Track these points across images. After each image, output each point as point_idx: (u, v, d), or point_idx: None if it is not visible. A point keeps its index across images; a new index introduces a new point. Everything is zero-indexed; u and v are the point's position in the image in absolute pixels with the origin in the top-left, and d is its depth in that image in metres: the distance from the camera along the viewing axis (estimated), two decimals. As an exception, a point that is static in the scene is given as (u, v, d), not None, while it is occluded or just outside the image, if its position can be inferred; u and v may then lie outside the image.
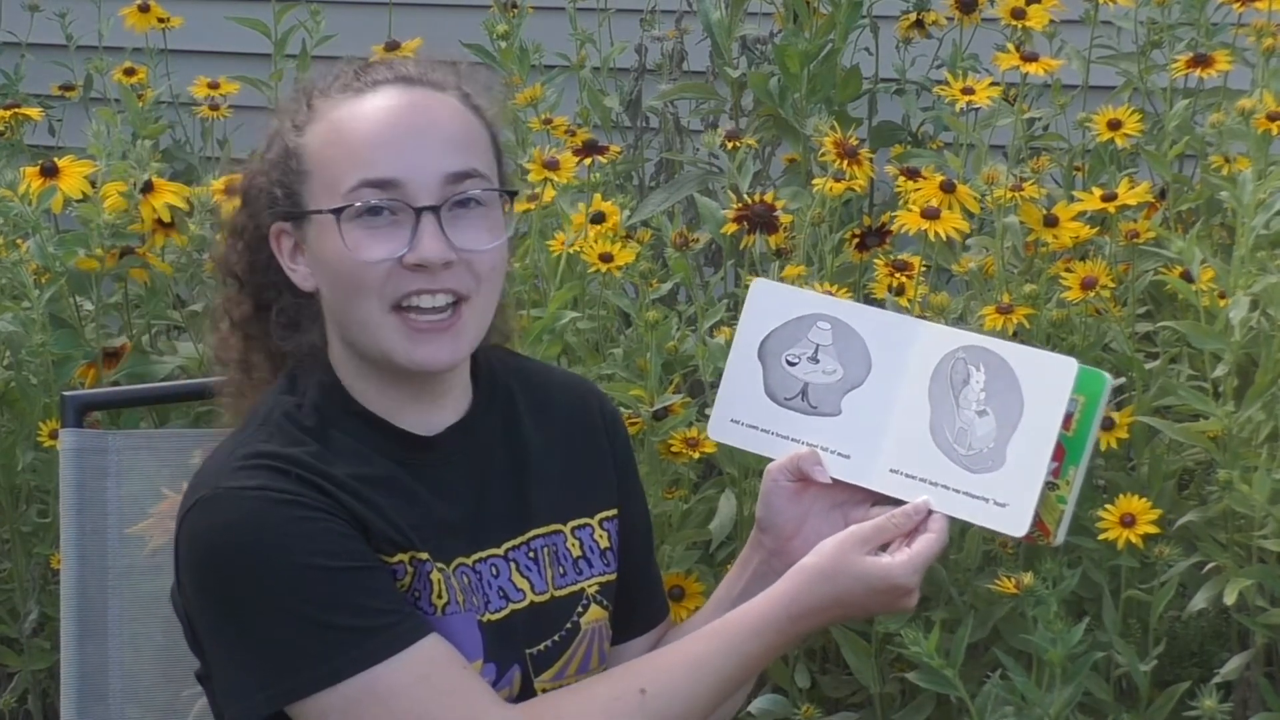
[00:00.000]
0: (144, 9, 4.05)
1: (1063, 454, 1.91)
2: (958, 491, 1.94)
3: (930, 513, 1.95)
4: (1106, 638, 2.82)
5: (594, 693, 1.93)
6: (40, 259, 3.26)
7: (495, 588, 1.99)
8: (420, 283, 1.92)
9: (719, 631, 1.93)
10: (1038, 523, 1.91)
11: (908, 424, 1.97)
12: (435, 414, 2.00)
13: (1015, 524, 1.92)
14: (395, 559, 1.92)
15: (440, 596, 1.94)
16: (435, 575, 1.94)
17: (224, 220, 2.06)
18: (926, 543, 1.92)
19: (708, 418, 3.03)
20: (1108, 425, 2.90)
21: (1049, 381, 1.91)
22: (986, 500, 1.93)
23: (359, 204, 1.91)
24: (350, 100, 1.96)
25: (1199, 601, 2.85)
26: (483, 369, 2.06)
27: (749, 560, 2.11)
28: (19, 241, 3.24)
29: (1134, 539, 2.76)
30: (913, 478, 1.96)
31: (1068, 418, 1.91)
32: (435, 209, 1.91)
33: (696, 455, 2.96)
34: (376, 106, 1.95)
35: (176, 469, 2.35)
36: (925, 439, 1.96)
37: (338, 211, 1.91)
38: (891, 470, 1.98)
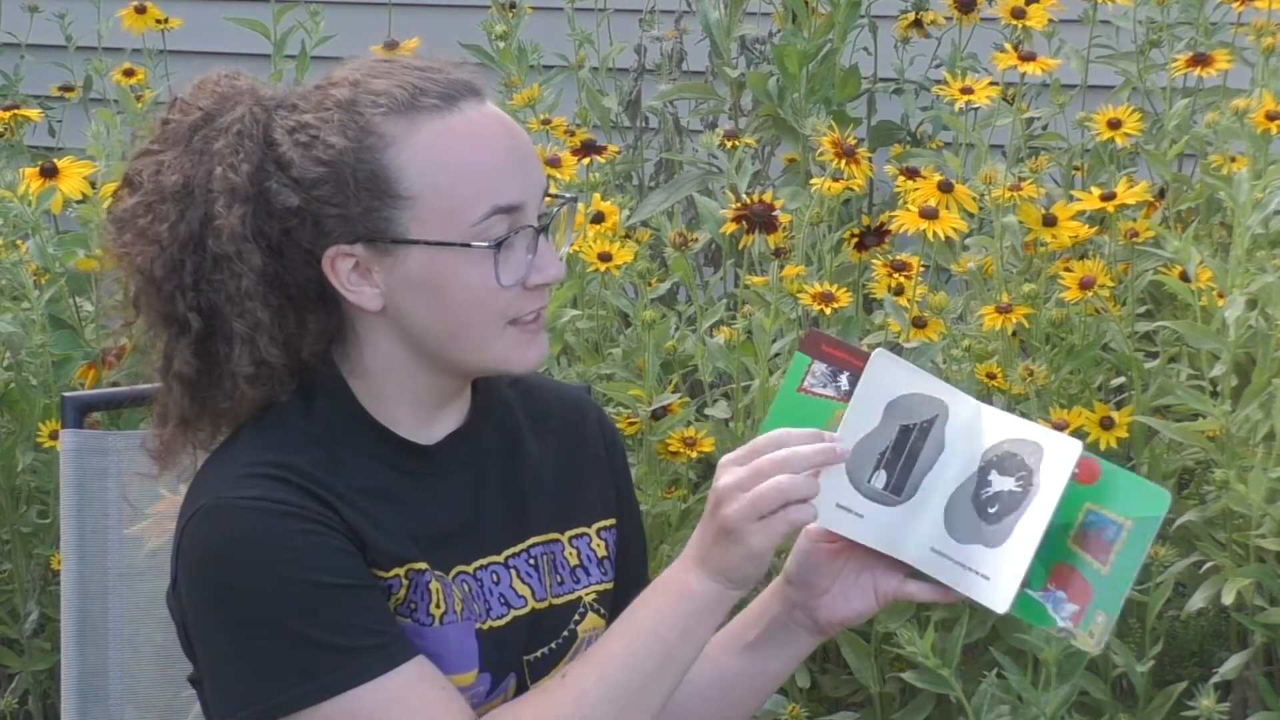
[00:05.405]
0: (140, 10, 4.05)
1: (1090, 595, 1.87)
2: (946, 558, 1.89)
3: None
4: (1105, 637, 2.82)
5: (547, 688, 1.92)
6: (40, 260, 3.26)
7: (496, 595, 1.98)
8: (540, 299, 1.93)
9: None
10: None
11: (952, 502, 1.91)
12: (437, 423, 1.99)
13: (998, 599, 1.87)
14: (391, 573, 1.91)
15: (438, 606, 1.93)
16: (434, 585, 1.93)
17: (223, 226, 1.89)
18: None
19: (706, 418, 3.08)
20: (1106, 425, 2.90)
21: (1059, 461, 1.86)
22: (973, 571, 1.88)
23: (496, 235, 1.89)
24: (439, 118, 1.89)
25: (1198, 601, 2.85)
26: (480, 378, 2.06)
27: (766, 608, 2.04)
28: (19, 242, 3.25)
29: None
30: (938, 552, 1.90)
31: (1106, 546, 1.86)
32: (546, 226, 1.93)
33: (695, 455, 2.96)
34: (479, 126, 1.90)
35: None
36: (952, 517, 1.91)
37: (464, 243, 1.88)
38: (933, 549, 1.90)
